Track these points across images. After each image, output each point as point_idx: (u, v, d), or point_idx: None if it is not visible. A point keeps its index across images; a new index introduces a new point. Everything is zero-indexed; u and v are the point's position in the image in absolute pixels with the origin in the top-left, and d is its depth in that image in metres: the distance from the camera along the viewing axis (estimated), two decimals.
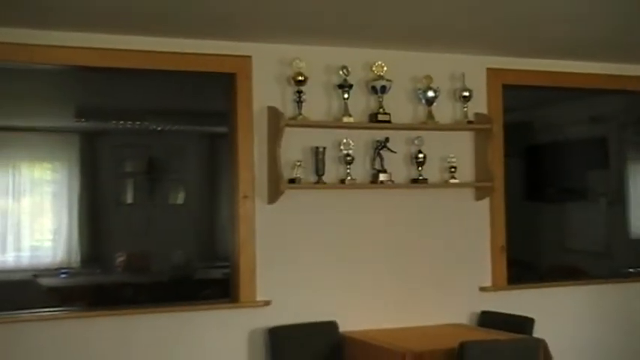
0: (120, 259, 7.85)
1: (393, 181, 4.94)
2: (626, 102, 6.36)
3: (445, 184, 5.11)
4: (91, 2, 3.92)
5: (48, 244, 8.05)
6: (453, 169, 5.10)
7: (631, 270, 6.11)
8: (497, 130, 5.23)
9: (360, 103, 4.94)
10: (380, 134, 4.97)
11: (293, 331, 4.69)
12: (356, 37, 4.74)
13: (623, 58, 5.53)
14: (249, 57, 4.78)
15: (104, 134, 8.08)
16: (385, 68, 4.88)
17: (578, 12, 4.28)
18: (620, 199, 6.65)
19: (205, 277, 7.04)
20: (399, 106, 5.01)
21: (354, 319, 4.84)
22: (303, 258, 4.86)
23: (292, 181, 4.69)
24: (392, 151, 4.97)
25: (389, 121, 4.90)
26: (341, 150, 4.85)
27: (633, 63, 5.67)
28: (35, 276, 7.36)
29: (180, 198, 8.45)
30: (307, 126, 4.78)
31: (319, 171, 4.79)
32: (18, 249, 7.81)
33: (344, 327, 4.81)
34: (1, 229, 7.80)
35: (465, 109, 5.15)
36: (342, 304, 4.88)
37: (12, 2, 3.89)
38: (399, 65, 4.97)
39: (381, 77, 4.88)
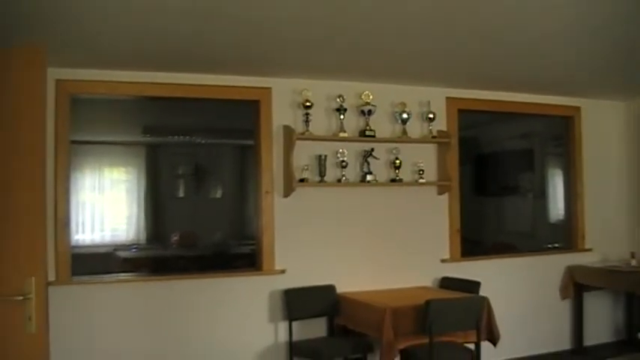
0: (174, 238, 7.87)
1: (377, 181, 4.87)
2: (547, 123, 6.32)
3: (415, 183, 5.03)
4: (154, 50, 3.87)
5: (123, 226, 8.09)
6: (421, 172, 5.03)
7: (549, 246, 6.10)
8: (454, 143, 5.18)
9: (352, 122, 4.84)
10: (367, 146, 4.89)
11: (302, 292, 4.63)
12: (349, 73, 4.67)
13: (544, 91, 5.50)
14: (270, 88, 4.70)
15: (163, 146, 8.14)
16: (371, 96, 4.82)
17: (511, 57, 4.26)
18: (542, 194, 6.74)
19: (237, 252, 7.00)
20: (381, 124, 4.93)
21: (348, 283, 4.77)
22: (309, 238, 4.77)
23: (302, 180, 4.63)
24: (376, 158, 4.89)
25: (374, 136, 4.83)
26: (338, 157, 4.78)
27: (552, 94, 5.62)
28: (114, 250, 7.38)
29: (218, 193, 8.47)
30: (313, 139, 4.69)
31: (322, 173, 4.72)
32: (102, 229, 7.88)
33: (340, 289, 4.74)
34: (90, 215, 7.82)
35: (430, 127, 5.08)
36: (338, 272, 4.80)
37: (96, 52, 3.87)
38: (381, 94, 4.89)
39: (368, 103, 4.82)
